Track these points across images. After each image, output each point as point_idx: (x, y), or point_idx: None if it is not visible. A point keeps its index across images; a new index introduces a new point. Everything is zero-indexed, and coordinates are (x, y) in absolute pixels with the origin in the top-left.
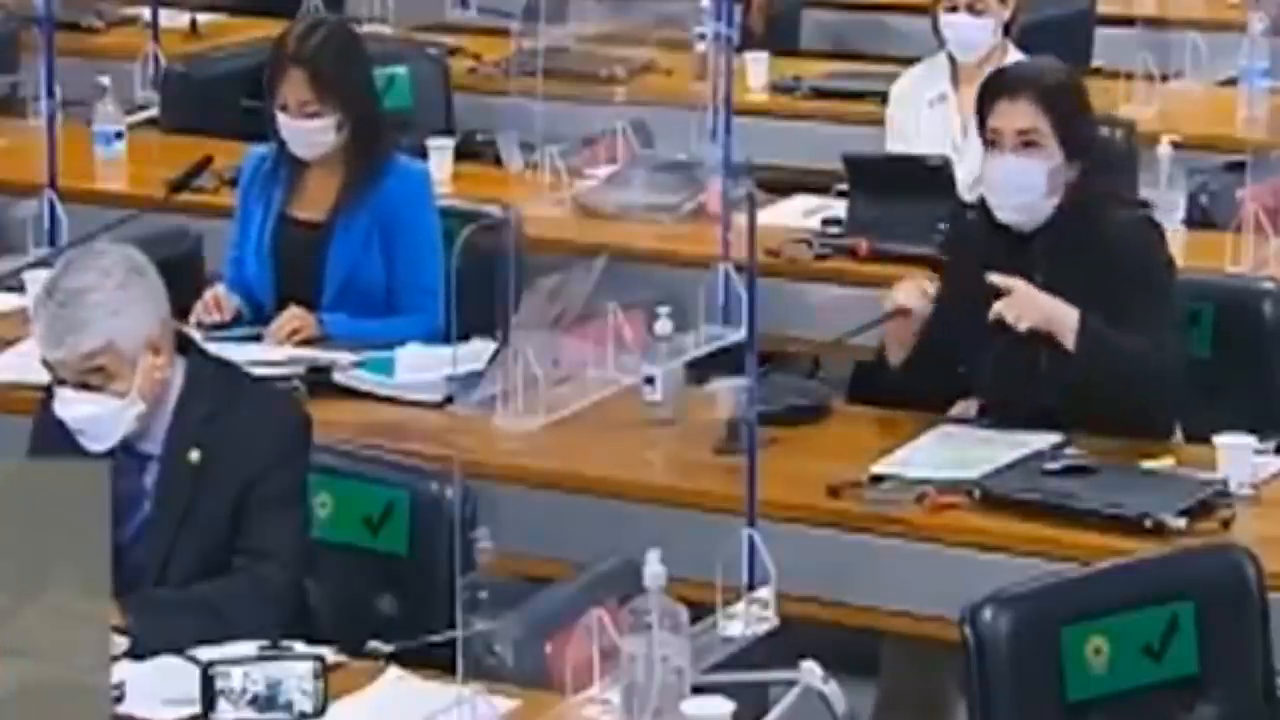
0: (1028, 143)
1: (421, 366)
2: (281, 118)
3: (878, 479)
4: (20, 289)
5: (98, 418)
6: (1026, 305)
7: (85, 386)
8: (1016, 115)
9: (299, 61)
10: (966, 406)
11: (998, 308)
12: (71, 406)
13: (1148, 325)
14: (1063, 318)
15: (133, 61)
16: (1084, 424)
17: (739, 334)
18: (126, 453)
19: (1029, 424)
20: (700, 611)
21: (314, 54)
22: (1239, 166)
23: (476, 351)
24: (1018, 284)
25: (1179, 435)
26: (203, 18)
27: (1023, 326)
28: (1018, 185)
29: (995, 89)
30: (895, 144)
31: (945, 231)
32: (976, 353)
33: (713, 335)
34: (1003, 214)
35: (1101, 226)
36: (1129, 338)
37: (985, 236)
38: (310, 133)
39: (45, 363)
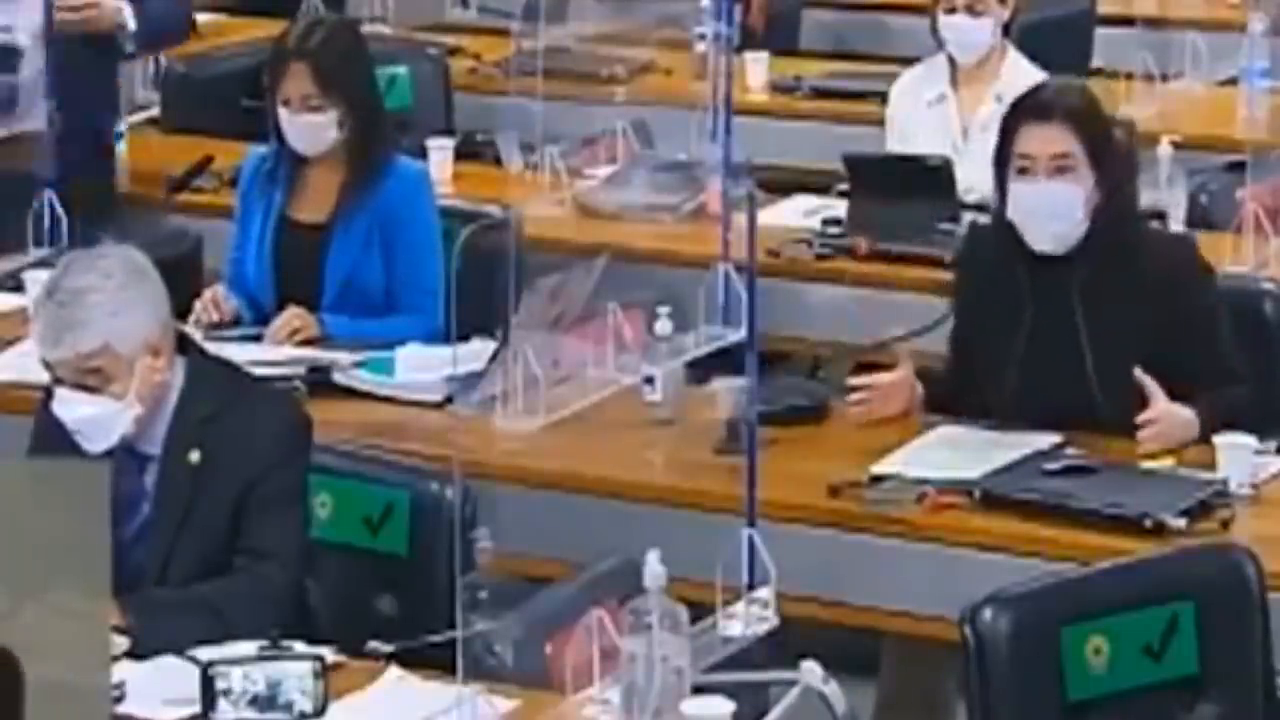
0: (1061, 168)
1: (421, 366)
2: (283, 113)
3: (878, 479)
4: (20, 289)
5: (95, 419)
6: (1166, 436)
7: (83, 387)
8: (1049, 139)
9: (302, 56)
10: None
11: (1144, 438)
12: (69, 407)
13: (1208, 346)
14: (1185, 433)
15: (133, 61)
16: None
17: (739, 334)
18: (127, 453)
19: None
20: (700, 611)
21: (317, 49)
22: (1239, 166)
23: (476, 351)
24: (1159, 411)
25: None
26: (203, 18)
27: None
28: (1053, 212)
29: (1022, 112)
30: (895, 143)
31: (959, 250)
32: (997, 369)
33: (713, 335)
34: (1039, 243)
35: (1137, 247)
36: (1225, 394)
37: (1007, 255)
38: (312, 128)
39: (44, 362)
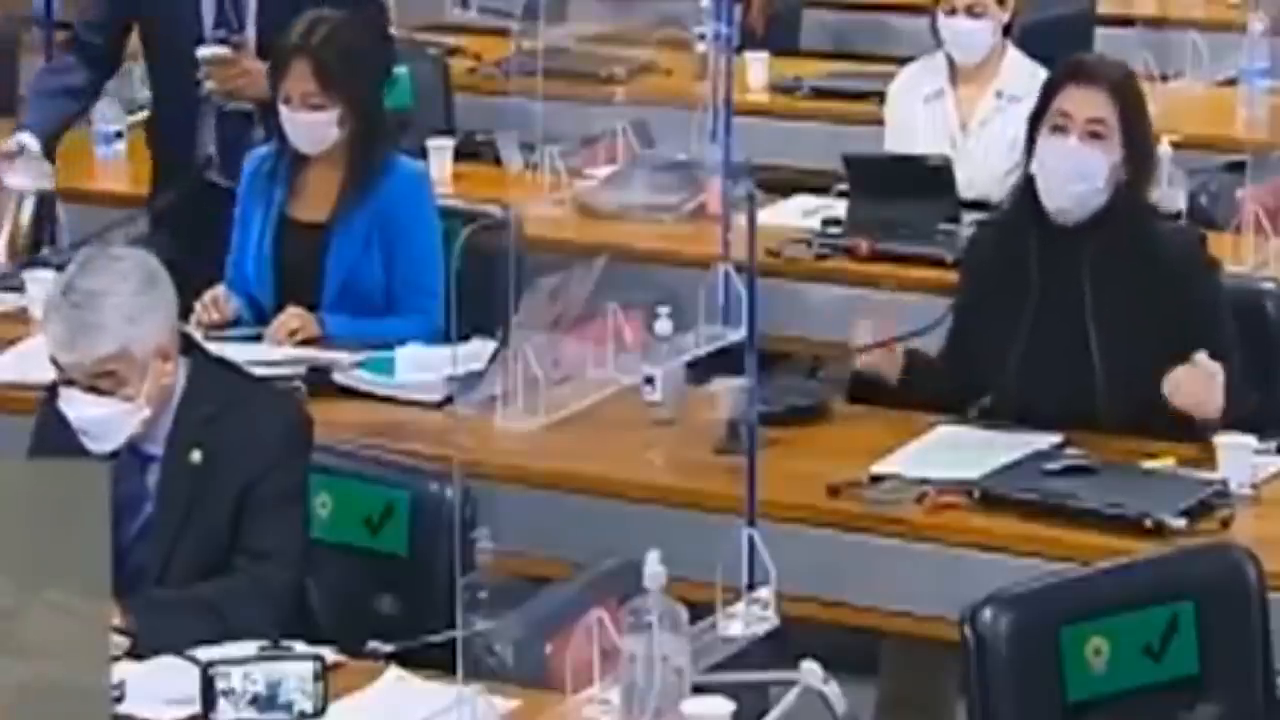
0: (1095, 133)
1: (421, 366)
2: (284, 111)
3: (878, 479)
4: (20, 289)
5: (104, 420)
6: (1204, 390)
7: (95, 390)
8: (1089, 102)
9: (304, 53)
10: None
11: (1177, 387)
12: (78, 407)
13: (1212, 341)
14: (1214, 395)
15: (133, 61)
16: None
17: (739, 334)
18: (129, 453)
19: (1054, 425)
20: (700, 611)
21: (319, 46)
22: (1239, 166)
23: (476, 351)
24: (1203, 366)
25: None
26: None
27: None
28: (1079, 173)
29: (1068, 74)
30: (892, 140)
31: (965, 246)
32: (1000, 352)
33: (713, 335)
34: (1054, 200)
35: (1149, 232)
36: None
37: (1020, 224)
38: (313, 126)
39: (55, 362)
